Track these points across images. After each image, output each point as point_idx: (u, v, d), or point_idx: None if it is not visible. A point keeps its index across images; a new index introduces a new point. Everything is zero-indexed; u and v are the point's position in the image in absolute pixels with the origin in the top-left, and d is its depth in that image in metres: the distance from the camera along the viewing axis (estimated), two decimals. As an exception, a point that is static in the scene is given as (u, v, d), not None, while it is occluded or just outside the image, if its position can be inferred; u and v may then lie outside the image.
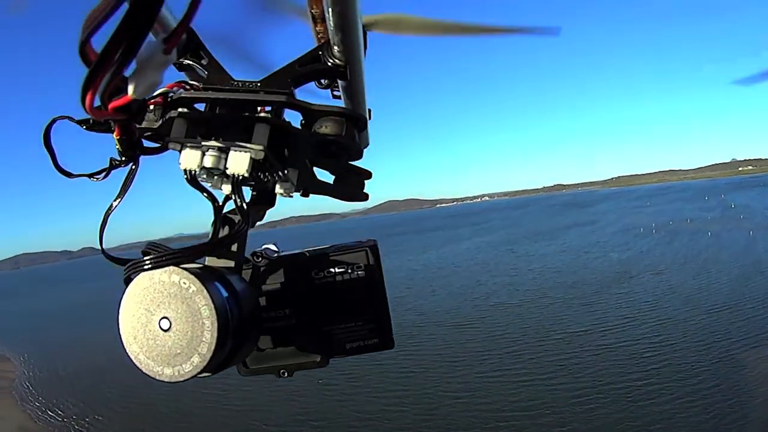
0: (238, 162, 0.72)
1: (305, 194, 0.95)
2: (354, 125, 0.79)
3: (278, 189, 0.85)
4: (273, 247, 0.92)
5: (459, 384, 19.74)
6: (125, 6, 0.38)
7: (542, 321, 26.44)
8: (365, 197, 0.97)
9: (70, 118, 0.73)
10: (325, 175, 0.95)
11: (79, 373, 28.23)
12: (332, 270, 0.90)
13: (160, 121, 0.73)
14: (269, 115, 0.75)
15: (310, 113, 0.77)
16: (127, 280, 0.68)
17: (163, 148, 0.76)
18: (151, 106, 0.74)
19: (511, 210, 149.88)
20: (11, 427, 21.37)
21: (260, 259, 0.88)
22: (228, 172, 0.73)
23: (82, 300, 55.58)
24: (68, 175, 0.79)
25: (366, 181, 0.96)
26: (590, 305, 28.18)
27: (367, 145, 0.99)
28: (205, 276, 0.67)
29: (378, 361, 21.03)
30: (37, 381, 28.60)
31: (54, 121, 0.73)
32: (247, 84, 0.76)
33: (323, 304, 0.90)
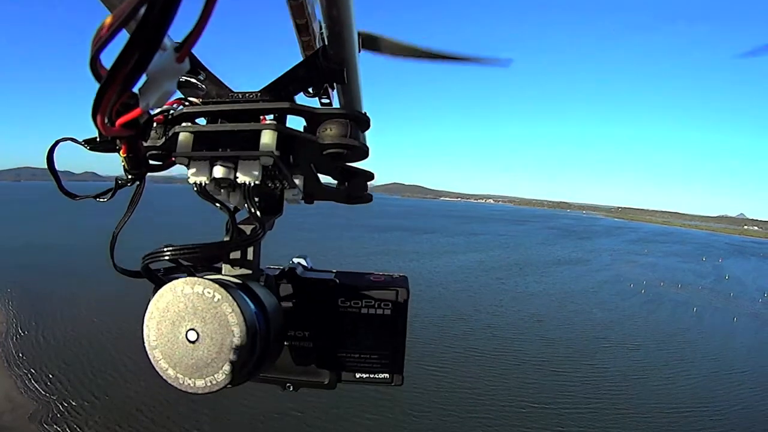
0: (249, 170, 0.72)
1: (309, 200, 0.96)
2: (358, 125, 0.78)
3: (286, 196, 0.85)
4: (304, 263, 0.95)
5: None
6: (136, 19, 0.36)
7: (508, 383, 27.04)
8: (369, 198, 0.99)
9: (74, 140, 0.73)
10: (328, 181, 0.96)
11: (68, 336, 28.25)
12: (359, 302, 0.91)
13: (164, 138, 0.73)
14: (275, 122, 0.75)
15: (314, 117, 0.76)
16: (145, 269, 0.70)
17: (170, 164, 0.77)
18: (153, 125, 0.74)
19: (511, 223, 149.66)
20: (-1, 396, 21.44)
21: (286, 279, 0.90)
22: (239, 181, 0.72)
23: (81, 234, 55.61)
24: (73, 196, 0.80)
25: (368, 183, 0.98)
26: (558, 375, 28.79)
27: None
28: (229, 284, 0.67)
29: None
30: (24, 339, 28.35)
31: (57, 143, 0.73)
32: (247, 95, 0.76)
33: (343, 332, 0.92)
